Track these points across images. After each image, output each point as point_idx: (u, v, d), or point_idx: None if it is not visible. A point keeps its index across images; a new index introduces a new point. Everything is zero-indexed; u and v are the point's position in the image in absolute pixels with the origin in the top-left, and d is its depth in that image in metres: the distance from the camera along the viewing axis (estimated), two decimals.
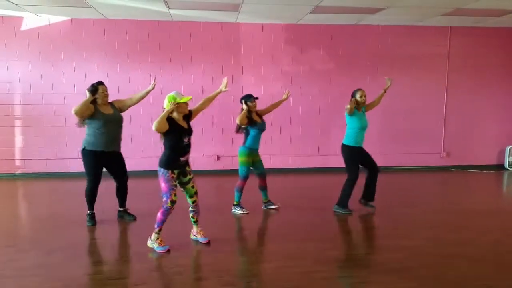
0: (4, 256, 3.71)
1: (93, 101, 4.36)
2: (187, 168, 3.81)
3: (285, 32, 7.55)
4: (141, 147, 7.36)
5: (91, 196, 4.53)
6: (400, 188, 6.44)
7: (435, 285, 3.15)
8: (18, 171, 7.31)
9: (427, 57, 7.89)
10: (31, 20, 6.99)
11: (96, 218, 4.61)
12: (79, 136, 7.23)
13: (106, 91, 4.43)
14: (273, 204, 5.14)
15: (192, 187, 3.83)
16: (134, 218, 4.70)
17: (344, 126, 7.75)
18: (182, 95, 3.73)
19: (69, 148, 7.30)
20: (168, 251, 3.76)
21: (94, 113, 4.33)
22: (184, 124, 3.73)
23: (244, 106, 4.85)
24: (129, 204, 4.85)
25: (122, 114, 4.55)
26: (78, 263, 3.54)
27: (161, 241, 3.82)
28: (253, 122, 4.86)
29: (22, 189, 6.69)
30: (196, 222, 3.98)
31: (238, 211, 4.98)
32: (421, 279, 3.25)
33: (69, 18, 7.04)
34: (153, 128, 3.51)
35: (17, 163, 7.29)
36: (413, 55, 7.85)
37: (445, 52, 7.93)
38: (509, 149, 8.20)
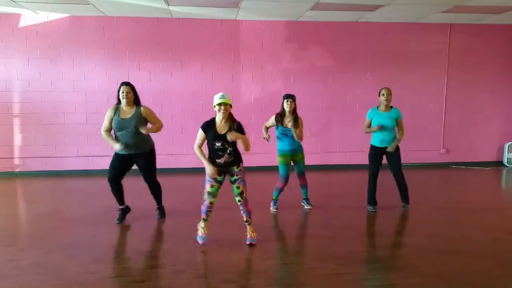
0: (4, 256, 3.70)
1: (118, 102, 4.42)
2: (234, 168, 3.80)
3: (285, 29, 7.53)
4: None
5: (112, 192, 4.57)
6: None
7: (437, 282, 3.15)
8: (17, 169, 7.29)
9: (427, 54, 7.88)
10: (29, 17, 6.95)
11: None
12: (78, 134, 7.28)
13: (128, 92, 4.35)
14: (308, 203, 5.14)
15: (238, 187, 3.81)
16: (160, 216, 4.73)
17: (344, 123, 7.79)
18: (224, 97, 3.66)
19: (68, 146, 7.28)
20: (203, 243, 3.85)
21: (114, 117, 4.37)
22: (222, 129, 3.71)
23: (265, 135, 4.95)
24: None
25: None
26: (78, 262, 3.53)
27: (203, 231, 3.92)
28: (279, 123, 4.82)
29: (21, 188, 6.66)
30: (246, 221, 3.97)
31: (271, 207, 5.07)
32: (424, 276, 3.25)
33: (67, 15, 7.00)
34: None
35: (16, 161, 7.27)
36: (413, 52, 7.84)
37: (445, 49, 7.92)
38: (508, 146, 8.21)
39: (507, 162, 8.21)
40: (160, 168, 7.30)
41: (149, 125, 4.52)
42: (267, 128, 5.02)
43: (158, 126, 4.53)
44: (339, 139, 7.92)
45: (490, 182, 7.19)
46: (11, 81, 7.06)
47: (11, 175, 7.20)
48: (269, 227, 4.62)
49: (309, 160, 7.79)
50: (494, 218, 4.83)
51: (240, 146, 3.83)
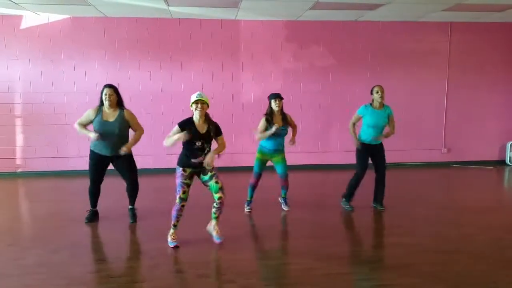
0: (7, 255, 3.73)
1: (100, 104, 4.38)
2: (206, 167, 3.79)
3: (284, 29, 7.53)
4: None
5: (90, 194, 4.60)
6: (401, 185, 6.44)
7: (437, 282, 3.16)
8: (19, 170, 7.33)
9: (428, 53, 7.87)
10: (31, 19, 6.99)
11: (99, 215, 4.65)
12: (80, 135, 7.29)
13: (110, 95, 4.31)
14: (285, 205, 5.08)
15: (216, 182, 3.79)
16: (133, 221, 4.62)
17: (344, 122, 7.78)
18: (201, 96, 3.73)
19: (70, 146, 7.32)
20: (176, 247, 3.83)
21: (95, 118, 4.35)
22: (202, 129, 3.74)
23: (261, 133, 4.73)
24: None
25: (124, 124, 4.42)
26: (81, 261, 3.56)
27: (173, 236, 3.90)
28: (270, 123, 4.72)
29: (24, 188, 6.70)
30: (216, 218, 3.95)
31: (245, 207, 5.02)
32: (423, 276, 3.26)
33: (68, 16, 7.03)
34: (164, 144, 3.73)
35: (18, 161, 7.31)
36: (413, 51, 7.83)
37: (445, 48, 7.90)
38: (510, 145, 8.18)
39: (510, 161, 8.19)
40: (159, 168, 7.40)
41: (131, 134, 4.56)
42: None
43: (139, 134, 4.48)
44: (339, 139, 7.92)
45: (492, 181, 7.18)
46: (13, 82, 7.10)
47: (13, 176, 7.24)
48: (268, 227, 4.63)
49: (308, 159, 7.89)
50: (495, 217, 4.83)
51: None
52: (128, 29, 7.19)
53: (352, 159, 7.86)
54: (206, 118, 3.80)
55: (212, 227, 3.99)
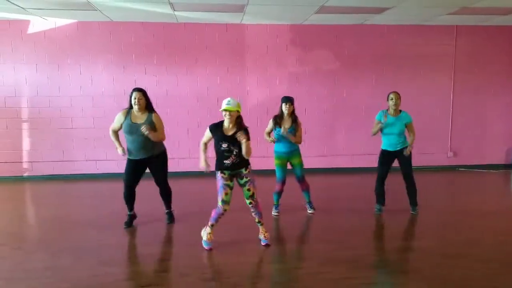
0: (12, 258, 3.74)
1: (129, 107, 4.42)
2: (242, 170, 3.85)
3: (290, 33, 7.54)
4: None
5: (126, 198, 4.59)
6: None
7: (443, 286, 3.13)
8: (26, 174, 7.36)
9: (433, 56, 7.84)
10: (38, 23, 7.04)
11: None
12: (86, 138, 7.34)
13: (139, 98, 4.35)
14: (310, 207, 5.12)
15: (248, 190, 3.87)
16: (170, 221, 4.72)
17: (349, 126, 7.77)
18: (229, 103, 3.73)
19: (76, 150, 7.34)
20: (210, 249, 3.85)
21: (125, 120, 4.38)
22: (229, 131, 3.79)
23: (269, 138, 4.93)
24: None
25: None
26: (86, 265, 3.55)
27: (209, 237, 3.92)
28: (277, 125, 4.84)
29: (30, 192, 6.73)
30: (258, 222, 4.03)
31: (273, 211, 5.07)
32: (430, 280, 3.23)
33: (75, 21, 7.08)
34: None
35: (25, 165, 7.34)
36: (419, 55, 7.80)
37: (451, 51, 7.87)
38: None
39: None
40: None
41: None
42: (269, 133, 5.01)
43: (158, 134, 4.43)
44: (345, 142, 7.90)
45: (498, 185, 7.12)
46: (20, 86, 7.15)
47: (20, 179, 7.28)
48: (275, 231, 4.61)
49: (314, 163, 7.86)
50: (501, 221, 4.79)
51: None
52: (134, 34, 7.23)
53: (358, 162, 7.94)
54: (237, 122, 3.81)
55: (260, 232, 4.06)
